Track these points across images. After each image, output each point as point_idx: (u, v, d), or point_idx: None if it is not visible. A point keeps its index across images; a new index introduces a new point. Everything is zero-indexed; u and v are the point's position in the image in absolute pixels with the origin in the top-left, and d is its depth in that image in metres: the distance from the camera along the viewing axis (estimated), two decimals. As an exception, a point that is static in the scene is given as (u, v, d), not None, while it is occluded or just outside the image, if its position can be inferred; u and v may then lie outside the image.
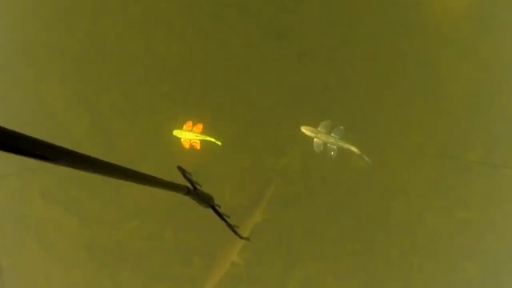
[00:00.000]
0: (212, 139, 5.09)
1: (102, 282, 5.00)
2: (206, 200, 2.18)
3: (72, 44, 5.21)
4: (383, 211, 4.74)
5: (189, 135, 5.20)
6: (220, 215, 2.30)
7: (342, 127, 4.54)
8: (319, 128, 4.55)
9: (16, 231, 5.13)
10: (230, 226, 2.40)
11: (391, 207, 4.75)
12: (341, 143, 4.50)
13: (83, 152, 1.44)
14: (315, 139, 4.52)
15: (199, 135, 5.16)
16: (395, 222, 4.76)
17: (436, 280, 4.87)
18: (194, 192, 2.10)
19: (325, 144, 4.52)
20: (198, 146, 5.13)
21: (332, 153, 4.50)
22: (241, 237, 2.59)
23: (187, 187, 2.06)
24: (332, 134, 4.52)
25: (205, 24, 5.09)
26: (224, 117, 5.06)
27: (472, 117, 4.80)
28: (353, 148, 4.48)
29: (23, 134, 1.26)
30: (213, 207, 2.25)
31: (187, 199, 2.14)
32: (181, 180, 2.12)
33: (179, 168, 2.17)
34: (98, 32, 5.21)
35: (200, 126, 5.17)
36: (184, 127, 5.19)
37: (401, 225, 4.77)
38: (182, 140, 5.18)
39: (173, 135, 5.17)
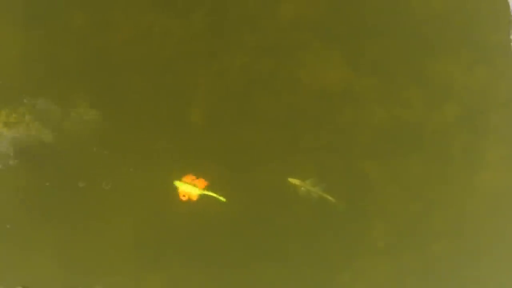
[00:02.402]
0: (215, 195, 5.36)
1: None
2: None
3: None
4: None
5: (189, 188, 5.33)
6: None
7: (324, 184, 6.18)
8: (306, 182, 6.19)
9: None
10: None
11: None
12: (320, 193, 6.11)
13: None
14: (301, 187, 6.15)
15: (200, 189, 5.35)
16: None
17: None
18: None
19: (308, 192, 6.13)
20: (195, 198, 5.31)
21: (314, 198, 6.09)
22: None
23: None
24: (315, 188, 6.14)
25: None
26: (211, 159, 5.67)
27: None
28: (330, 197, 6.09)
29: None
30: None
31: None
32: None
33: None
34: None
35: (202, 181, 5.40)
36: (184, 179, 5.35)
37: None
38: (180, 192, 5.34)
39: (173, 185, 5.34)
